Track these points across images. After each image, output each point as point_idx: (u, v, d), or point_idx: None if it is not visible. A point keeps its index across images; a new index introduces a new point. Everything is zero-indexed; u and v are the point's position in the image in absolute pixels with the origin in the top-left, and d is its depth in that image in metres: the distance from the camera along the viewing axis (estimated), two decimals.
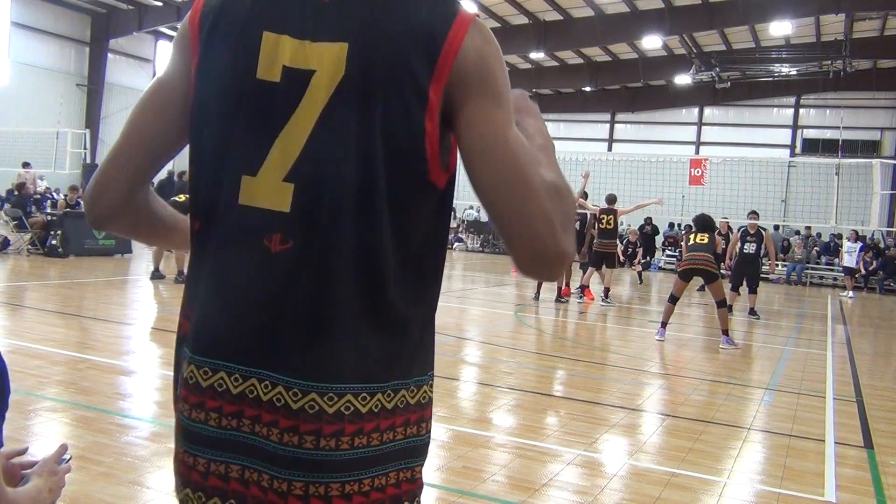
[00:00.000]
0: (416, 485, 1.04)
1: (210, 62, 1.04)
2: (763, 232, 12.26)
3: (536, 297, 11.93)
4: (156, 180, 19.98)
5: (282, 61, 1.00)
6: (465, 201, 22.40)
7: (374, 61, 0.97)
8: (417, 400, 1.04)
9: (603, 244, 11.85)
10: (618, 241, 12.87)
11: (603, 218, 11.88)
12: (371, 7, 0.99)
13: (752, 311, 11.72)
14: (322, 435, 0.96)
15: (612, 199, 12.14)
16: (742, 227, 12.58)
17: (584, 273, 12.54)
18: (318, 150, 0.98)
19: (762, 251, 12.05)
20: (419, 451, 1.05)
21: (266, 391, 0.98)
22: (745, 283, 12.02)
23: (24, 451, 1.69)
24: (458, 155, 1.03)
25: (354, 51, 0.97)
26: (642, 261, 19.89)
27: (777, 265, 21.83)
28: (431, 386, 1.08)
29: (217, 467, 1.00)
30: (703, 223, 8.98)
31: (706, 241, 8.74)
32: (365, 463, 0.98)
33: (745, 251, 12.03)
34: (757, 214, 12.67)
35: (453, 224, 28.01)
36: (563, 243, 0.98)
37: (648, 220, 23.76)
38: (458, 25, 0.98)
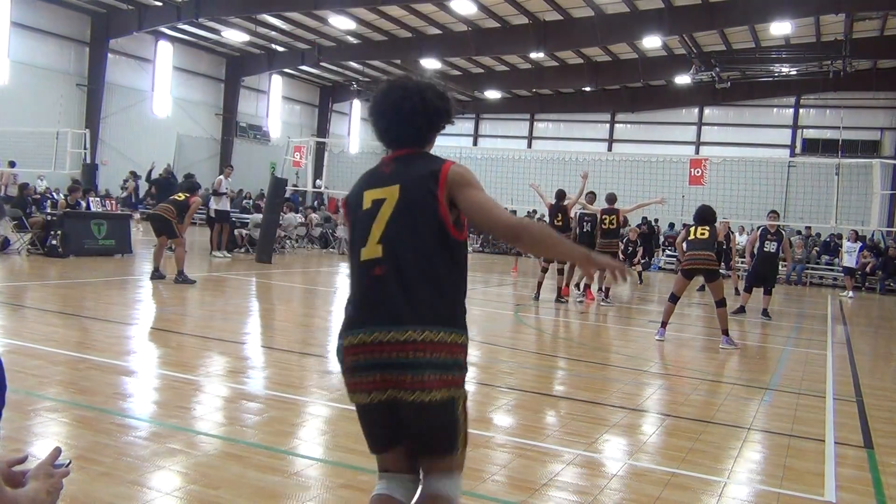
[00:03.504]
0: (457, 382, 2.19)
1: (348, 211, 2.35)
2: (783, 232, 12.16)
3: (536, 297, 11.93)
4: (153, 179, 19.79)
5: (371, 198, 2.25)
6: None
7: (411, 189, 2.20)
8: (454, 340, 2.17)
9: (605, 244, 11.86)
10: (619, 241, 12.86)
11: (605, 218, 11.87)
12: (406, 167, 2.26)
13: (765, 312, 11.65)
14: (416, 350, 2.08)
15: (612, 199, 12.13)
16: (762, 226, 12.50)
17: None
18: (391, 228, 2.18)
19: (780, 252, 11.97)
20: (459, 366, 2.20)
21: (383, 335, 2.10)
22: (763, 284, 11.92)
23: (24, 460, 1.70)
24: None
25: (402, 187, 2.21)
26: (642, 261, 19.88)
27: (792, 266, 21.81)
28: (463, 336, 2.22)
29: (367, 377, 2.13)
30: (703, 216, 8.86)
31: (706, 235, 8.65)
32: (434, 365, 2.10)
33: (765, 250, 11.88)
34: (777, 214, 12.61)
35: None
36: (513, 226, 2.17)
37: (644, 220, 23.75)
38: (445, 167, 2.22)
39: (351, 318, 2.17)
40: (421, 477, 2.26)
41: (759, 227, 12.77)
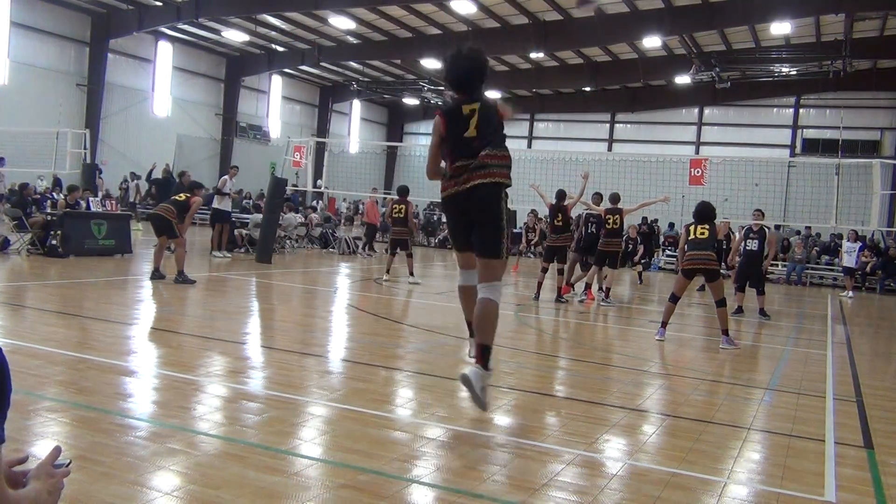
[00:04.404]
0: (504, 175, 4.67)
1: (447, 119, 4.83)
2: (766, 230, 12.19)
3: (536, 297, 11.93)
4: (153, 178, 19.82)
5: (468, 108, 4.69)
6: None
7: (484, 105, 4.72)
8: (504, 153, 4.72)
9: (608, 243, 11.87)
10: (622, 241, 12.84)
11: (609, 218, 11.88)
12: (481, 91, 4.83)
13: (762, 312, 11.66)
14: (488, 159, 4.62)
15: (616, 199, 12.12)
16: (746, 225, 12.56)
17: (589, 271, 12.53)
18: (479, 125, 4.66)
19: (764, 250, 12.00)
20: (507, 167, 4.72)
21: (474, 174, 4.65)
22: (749, 284, 11.98)
23: (24, 460, 1.70)
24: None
25: (480, 105, 4.70)
26: (642, 261, 19.87)
27: (777, 265, 21.83)
28: (508, 151, 4.78)
29: (463, 177, 4.66)
30: (703, 213, 8.83)
31: (706, 234, 8.64)
32: (495, 165, 4.63)
33: (747, 248, 11.99)
34: (762, 213, 12.63)
35: None
36: None
37: (644, 220, 23.74)
38: (498, 103, 4.90)
39: (449, 174, 4.64)
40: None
41: (743, 227, 12.83)
